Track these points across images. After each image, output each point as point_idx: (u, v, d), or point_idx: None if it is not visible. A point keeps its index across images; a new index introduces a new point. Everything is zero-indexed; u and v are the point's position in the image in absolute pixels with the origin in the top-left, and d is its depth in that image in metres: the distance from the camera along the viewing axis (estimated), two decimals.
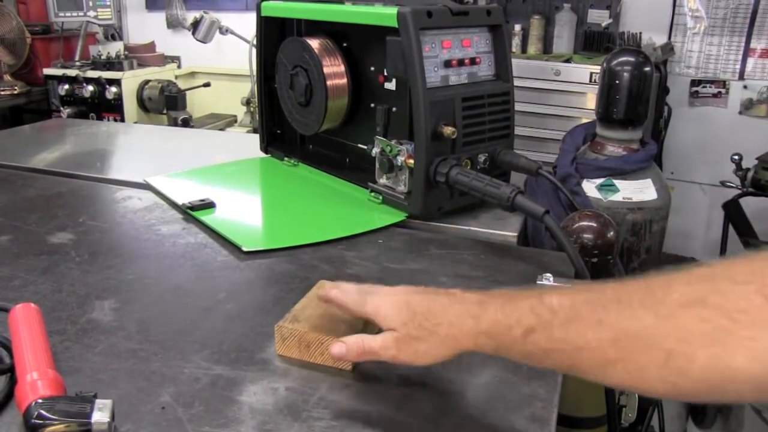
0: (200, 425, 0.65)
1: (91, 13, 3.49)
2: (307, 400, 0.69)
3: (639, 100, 1.72)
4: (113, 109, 3.32)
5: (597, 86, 1.84)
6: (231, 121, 3.64)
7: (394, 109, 1.25)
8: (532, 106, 2.78)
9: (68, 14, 3.44)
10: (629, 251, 1.78)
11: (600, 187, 1.70)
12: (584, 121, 2.63)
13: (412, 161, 1.17)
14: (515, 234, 1.15)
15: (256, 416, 0.66)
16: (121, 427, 0.64)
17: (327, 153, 1.53)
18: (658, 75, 2.53)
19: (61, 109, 3.38)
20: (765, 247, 2.47)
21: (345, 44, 1.38)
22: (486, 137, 1.22)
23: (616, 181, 1.69)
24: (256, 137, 1.64)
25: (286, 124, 1.54)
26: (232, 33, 3.31)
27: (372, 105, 1.33)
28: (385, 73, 1.27)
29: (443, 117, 1.15)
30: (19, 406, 0.62)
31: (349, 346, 0.67)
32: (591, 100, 2.62)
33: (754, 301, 0.42)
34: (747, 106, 2.96)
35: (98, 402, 0.60)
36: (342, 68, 1.36)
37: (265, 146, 1.61)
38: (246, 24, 2.91)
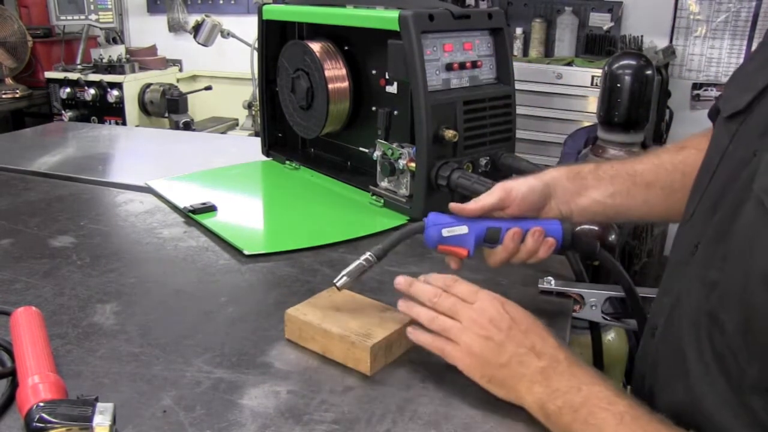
0: (202, 429, 0.65)
1: (93, 17, 3.50)
2: (309, 403, 0.69)
3: (640, 103, 1.72)
4: (115, 112, 3.32)
5: (598, 89, 1.85)
6: (232, 125, 3.64)
7: (395, 112, 1.25)
8: (533, 109, 2.78)
9: (70, 17, 3.45)
10: (631, 255, 1.78)
11: None
12: (586, 124, 2.63)
13: (413, 164, 1.17)
14: None
15: (257, 419, 0.66)
16: (122, 431, 0.64)
17: (328, 156, 1.53)
18: (660, 78, 2.53)
19: (63, 112, 3.38)
20: None
21: (346, 47, 1.38)
22: (487, 140, 1.22)
23: None
24: (258, 140, 1.64)
25: (287, 127, 1.54)
26: (234, 36, 3.31)
27: (373, 108, 1.33)
28: (387, 77, 1.27)
29: (445, 120, 1.15)
30: (21, 410, 0.62)
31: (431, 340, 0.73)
32: (592, 104, 2.62)
33: None
34: None
35: (99, 405, 0.60)
36: (343, 71, 1.36)
37: (267, 149, 1.61)
38: (247, 27, 2.92)
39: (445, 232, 0.83)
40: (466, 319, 0.72)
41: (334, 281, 0.79)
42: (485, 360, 0.69)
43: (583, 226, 1.14)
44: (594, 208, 0.87)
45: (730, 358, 0.53)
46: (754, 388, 0.52)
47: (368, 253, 0.81)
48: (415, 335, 0.74)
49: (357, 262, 0.80)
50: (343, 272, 0.79)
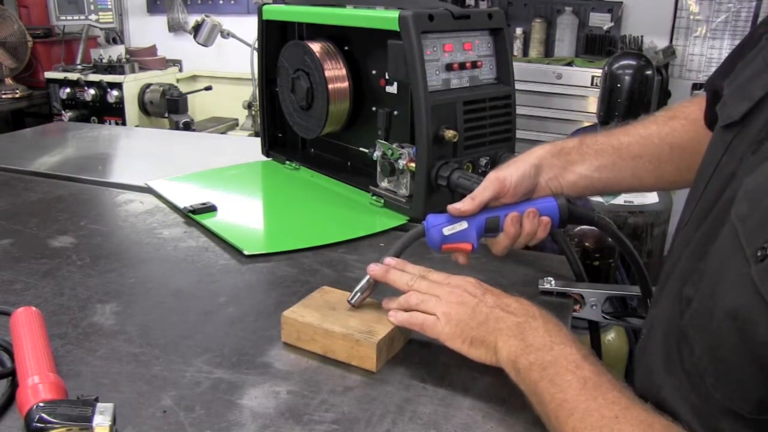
0: (201, 429, 0.65)
1: (93, 17, 3.50)
2: (309, 403, 0.69)
3: (640, 103, 1.73)
4: (115, 112, 3.32)
5: (598, 90, 1.85)
6: (232, 125, 3.65)
7: (395, 112, 1.25)
8: (533, 109, 2.78)
9: (70, 18, 3.45)
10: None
11: None
12: (585, 124, 2.63)
13: (413, 165, 1.17)
14: None
15: (257, 420, 0.66)
16: (122, 431, 0.63)
17: (328, 156, 1.53)
18: (660, 78, 2.53)
19: (63, 112, 3.38)
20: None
21: (346, 48, 1.38)
22: (487, 140, 1.22)
23: None
24: (258, 141, 1.64)
25: (287, 127, 1.54)
26: (234, 36, 3.31)
27: (373, 108, 1.33)
28: (387, 77, 1.27)
29: (445, 120, 1.15)
30: (21, 410, 0.62)
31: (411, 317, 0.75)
32: (592, 104, 2.62)
33: None
34: None
35: (99, 406, 0.60)
36: (343, 72, 1.36)
37: (267, 150, 1.61)
38: (247, 27, 2.92)
39: (446, 231, 0.84)
40: (442, 294, 0.75)
41: (348, 299, 0.81)
42: (464, 323, 0.71)
43: (582, 227, 1.14)
44: (582, 182, 0.88)
45: (697, 378, 0.52)
46: (721, 410, 0.51)
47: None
48: (395, 316, 0.76)
49: (366, 278, 0.81)
50: (356, 289, 0.81)
